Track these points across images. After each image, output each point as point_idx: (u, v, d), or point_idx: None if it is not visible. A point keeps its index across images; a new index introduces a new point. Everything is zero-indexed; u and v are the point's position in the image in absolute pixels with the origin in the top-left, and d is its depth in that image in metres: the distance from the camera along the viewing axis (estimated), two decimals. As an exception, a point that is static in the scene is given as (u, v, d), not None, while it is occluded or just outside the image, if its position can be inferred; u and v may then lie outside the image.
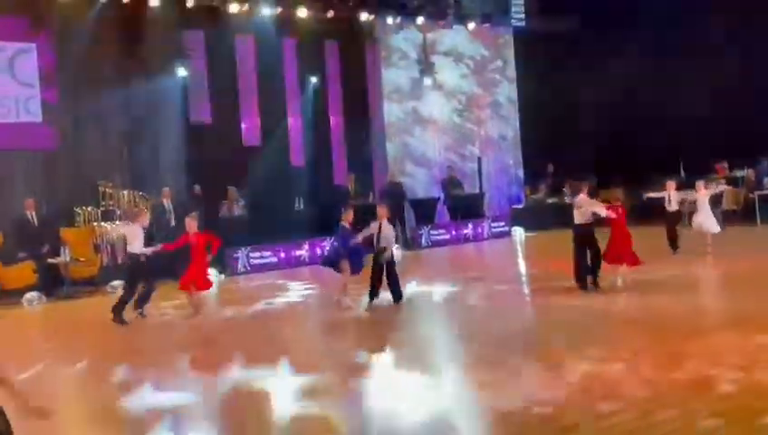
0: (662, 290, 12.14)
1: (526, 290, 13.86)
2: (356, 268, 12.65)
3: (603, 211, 12.36)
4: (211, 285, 13.09)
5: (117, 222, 16.75)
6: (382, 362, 9.05)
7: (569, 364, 8.02)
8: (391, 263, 12.51)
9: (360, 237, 12.49)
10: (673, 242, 16.26)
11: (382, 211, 12.73)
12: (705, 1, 21.42)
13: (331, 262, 12.93)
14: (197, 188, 19.33)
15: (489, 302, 12.59)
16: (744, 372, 7.35)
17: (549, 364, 8.16)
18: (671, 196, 16.37)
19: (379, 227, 12.47)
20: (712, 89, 21.22)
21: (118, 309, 12.42)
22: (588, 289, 12.23)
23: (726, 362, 7.72)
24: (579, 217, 12.37)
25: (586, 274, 12.32)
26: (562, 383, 7.42)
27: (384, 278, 12.41)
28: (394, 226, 14.19)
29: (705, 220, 15.88)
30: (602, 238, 12.65)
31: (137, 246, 12.62)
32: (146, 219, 13.24)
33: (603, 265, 12.49)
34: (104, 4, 18.23)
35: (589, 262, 12.34)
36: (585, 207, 12.28)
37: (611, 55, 22.53)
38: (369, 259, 12.72)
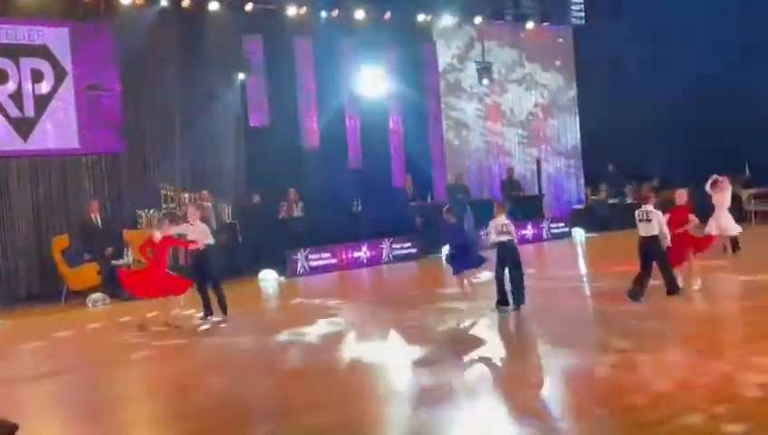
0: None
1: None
2: (469, 265, 12.27)
3: (667, 236, 11.60)
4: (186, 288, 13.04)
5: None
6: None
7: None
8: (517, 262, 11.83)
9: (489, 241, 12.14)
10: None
11: (501, 208, 12.14)
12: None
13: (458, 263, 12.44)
14: (257, 198, 19.41)
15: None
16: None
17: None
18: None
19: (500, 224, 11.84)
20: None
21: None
22: (639, 301, 11.46)
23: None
24: (643, 230, 11.60)
25: (639, 286, 11.58)
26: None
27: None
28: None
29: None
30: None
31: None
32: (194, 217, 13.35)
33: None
34: (164, 9, 18.47)
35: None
36: (653, 220, 11.47)
37: (673, 53, 22.11)
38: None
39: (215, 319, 12.85)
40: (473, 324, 11.24)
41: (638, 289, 11.55)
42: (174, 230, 13.36)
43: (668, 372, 7.73)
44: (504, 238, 11.74)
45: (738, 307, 11.70)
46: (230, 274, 17.78)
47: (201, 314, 13.04)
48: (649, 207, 11.60)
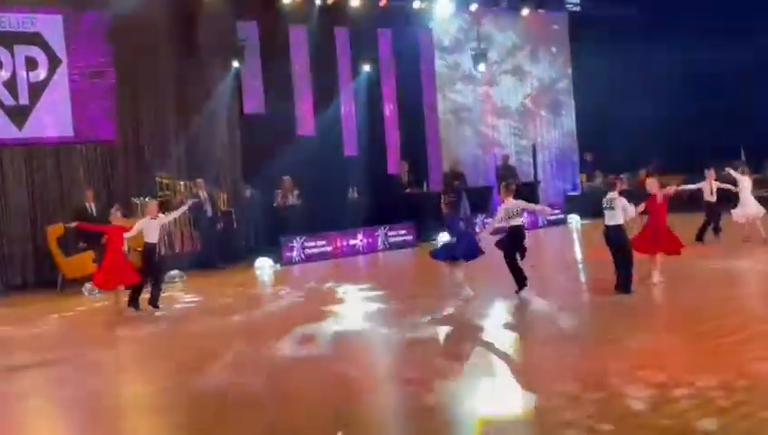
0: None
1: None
2: (470, 254, 11.78)
3: (632, 215, 11.39)
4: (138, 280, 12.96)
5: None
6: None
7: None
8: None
9: (495, 225, 11.96)
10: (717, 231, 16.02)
11: (507, 191, 11.76)
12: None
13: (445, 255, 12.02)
14: (249, 192, 19.40)
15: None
16: None
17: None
18: (712, 186, 15.91)
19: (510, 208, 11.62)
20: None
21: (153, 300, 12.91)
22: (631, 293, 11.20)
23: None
24: (608, 218, 11.28)
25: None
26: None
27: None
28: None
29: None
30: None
31: (152, 236, 12.97)
32: (155, 211, 13.37)
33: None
34: (160, -3, 18.41)
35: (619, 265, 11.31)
36: (617, 208, 11.14)
37: (669, 40, 22.08)
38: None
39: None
40: (464, 315, 11.13)
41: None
42: (138, 226, 13.28)
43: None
44: (515, 223, 11.65)
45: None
46: (226, 261, 17.92)
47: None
48: (614, 195, 11.27)
